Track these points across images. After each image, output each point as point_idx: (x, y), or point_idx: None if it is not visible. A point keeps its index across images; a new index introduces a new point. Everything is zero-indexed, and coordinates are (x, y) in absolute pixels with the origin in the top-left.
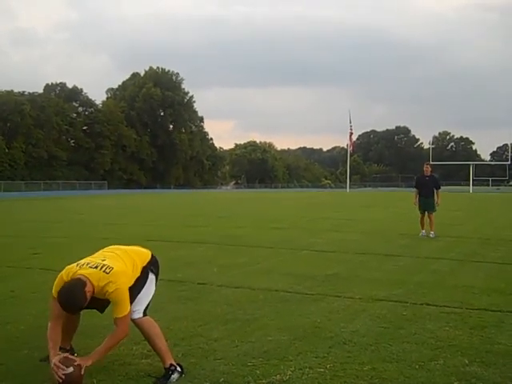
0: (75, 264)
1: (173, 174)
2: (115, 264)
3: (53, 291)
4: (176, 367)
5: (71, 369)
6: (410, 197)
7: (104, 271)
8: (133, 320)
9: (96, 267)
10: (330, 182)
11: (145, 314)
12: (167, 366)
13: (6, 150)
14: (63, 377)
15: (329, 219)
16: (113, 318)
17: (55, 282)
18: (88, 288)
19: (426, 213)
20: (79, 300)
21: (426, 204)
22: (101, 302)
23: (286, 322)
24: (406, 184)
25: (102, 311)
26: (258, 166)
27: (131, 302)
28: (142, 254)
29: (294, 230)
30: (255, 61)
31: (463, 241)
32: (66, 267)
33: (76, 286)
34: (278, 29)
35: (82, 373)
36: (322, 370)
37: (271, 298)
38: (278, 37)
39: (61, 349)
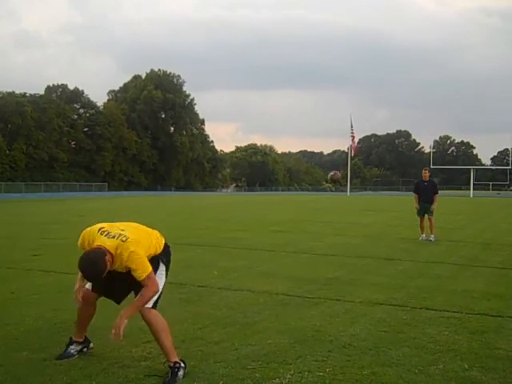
0: (97, 228)
1: (173, 177)
2: (132, 235)
3: (78, 243)
4: (181, 364)
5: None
6: (410, 201)
7: (121, 240)
8: (141, 312)
9: (114, 237)
10: (330, 185)
11: (154, 306)
12: (172, 363)
13: (7, 152)
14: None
15: (329, 223)
16: (140, 282)
17: (81, 237)
18: (108, 257)
19: (426, 215)
20: (100, 268)
21: (426, 208)
22: (120, 278)
23: (286, 325)
24: (406, 188)
25: (119, 300)
26: (258, 169)
27: None
28: (159, 240)
29: (295, 234)
30: (257, 64)
31: (464, 245)
32: (91, 228)
33: (96, 255)
34: (280, 32)
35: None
36: (321, 373)
37: (271, 302)
38: (280, 40)
39: (75, 342)
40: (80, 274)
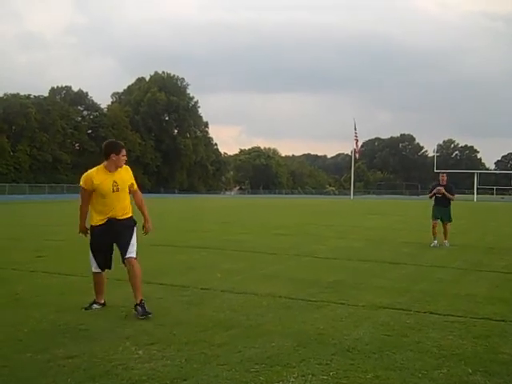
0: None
1: (177, 179)
2: None
3: (81, 183)
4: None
5: None
6: (414, 205)
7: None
8: (131, 261)
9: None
10: (333, 188)
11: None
12: (138, 301)
13: (11, 153)
14: None
15: (332, 226)
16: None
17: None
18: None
19: (441, 222)
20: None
21: (442, 213)
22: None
23: (290, 328)
24: (410, 192)
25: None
26: (262, 172)
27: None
28: None
29: (298, 237)
30: (261, 66)
31: (467, 249)
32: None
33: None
34: (284, 34)
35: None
36: (325, 377)
37: (274, 304)
38: (284, 42)
39: (96, 303)
40: (81, 213)
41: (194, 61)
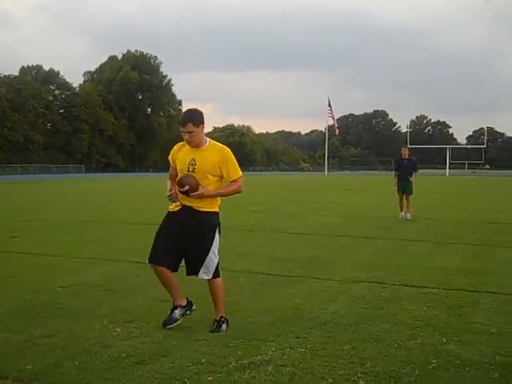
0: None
1: (151, 158)
2: None
3: (169, 158)
4: (225, 319)
5: (186, 187)
6: (388, 180)
7: None
8: (208, 282)
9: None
10: (308, 165)
11: (216, 276)
12: (218, 317)
13: None
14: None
15: (307, 202)
16: (230, 181)
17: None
18: (203, 127)
19: (404, 195)
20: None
21: (404, 186)
22: (205, 162)
23: (267, 303)
24: (384, 167)
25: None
26: (236, 150)
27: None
28: None
29: (273, 213)
30: (234, 44)
31: (440, 223)
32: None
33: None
34: (258, 12)
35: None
36: (302, 350)
37: (251, 281)
38: (258, 20)
39: (178, 307)
40: (169, 181)
41: (168, 39)
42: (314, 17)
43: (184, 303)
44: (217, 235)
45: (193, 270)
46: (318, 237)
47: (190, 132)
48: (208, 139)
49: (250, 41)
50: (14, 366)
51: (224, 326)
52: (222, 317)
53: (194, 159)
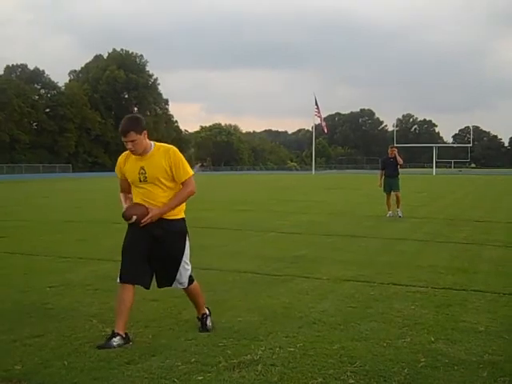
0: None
1: None
2: None
3: (116, 171)
4: (206, 313)
5: (134, 218)
6: (375, 179)
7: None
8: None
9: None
10: (295, 164)
11: (190, 283)
12: (200, 315)
13: None
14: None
15: (295, 201)
16: (180, 183)
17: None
18: (145, 133)
19: (392, 192)
20: (137, 118)
21: (391, 183)
22: (155, 169)
23: (256, 303)
24: (371, 166)
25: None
26: (223, 149)
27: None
28: None
29: (261, 213)
30: (221, 44)
31: (428, 222)
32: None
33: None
34: (244, 11)
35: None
36: (292, 349)
37: (240, 280)
38: (243, 19)
39: (118, 336)
40: (123, 199)
41: (154, 38)
42: (301, 16)
43: (124, 334)
44: (187, 243)
45: (166, 282)
46: (307, 236)
47: (132, 141)
48: (152, 143)
49: (236, 40)
50: (2, 366)
51: (208, 320)
52: (203, 314)
53: (142, 167)
